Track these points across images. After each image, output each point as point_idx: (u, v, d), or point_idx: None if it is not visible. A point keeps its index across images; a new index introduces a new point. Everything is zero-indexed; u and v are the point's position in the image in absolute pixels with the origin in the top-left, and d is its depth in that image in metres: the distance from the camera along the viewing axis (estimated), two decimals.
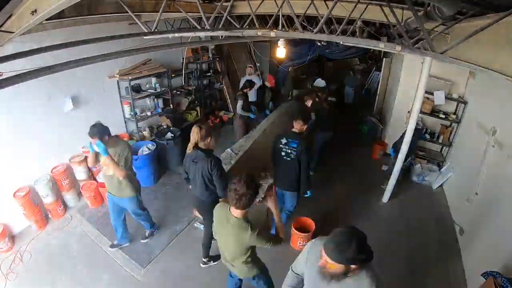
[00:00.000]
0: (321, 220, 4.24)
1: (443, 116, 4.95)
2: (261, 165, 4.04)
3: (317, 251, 1.52)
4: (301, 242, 3.61)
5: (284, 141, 3.30)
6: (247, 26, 2.94)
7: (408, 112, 4.61)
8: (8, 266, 3.35)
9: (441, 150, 5.37)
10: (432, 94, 4.85)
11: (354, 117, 7.41)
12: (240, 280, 2.64)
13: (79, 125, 4.39)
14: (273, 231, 3.24)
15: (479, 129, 3.86)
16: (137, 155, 4.64)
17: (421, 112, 4.56)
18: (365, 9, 2.55)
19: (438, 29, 2.20)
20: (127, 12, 2.19)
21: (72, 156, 4.34)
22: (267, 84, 7.46)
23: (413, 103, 3.98)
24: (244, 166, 3.81)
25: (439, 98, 4.80)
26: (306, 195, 3.53)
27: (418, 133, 4.64)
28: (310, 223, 3.71)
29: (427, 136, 5.28)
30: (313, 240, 1.78)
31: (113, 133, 4.88)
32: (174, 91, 5.91)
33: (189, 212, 4.27)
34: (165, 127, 5.65)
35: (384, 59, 6.87)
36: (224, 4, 2.68)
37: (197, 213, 4.06)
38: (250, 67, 6.73)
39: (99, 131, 2.83)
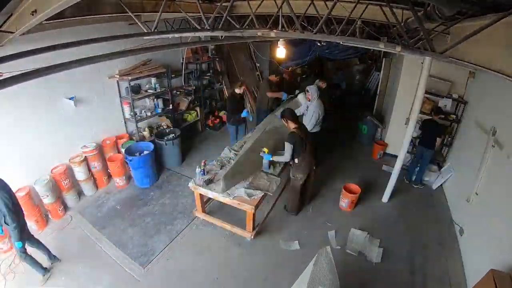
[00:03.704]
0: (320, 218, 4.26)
1: (443, 116, 4.95)
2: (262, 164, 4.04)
3: None
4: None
5: None
6: (247, 26, 2.94)
7: (407, 118, 4.61)
8: (8, 266, 3.35)
9: (441, 150, 5.37)
10: (432, 94, 4.86)
11: (354, 116, 7.40)
12: None
13: (79, 125, 4.40)
14: None
15: (479, 129, 3.86)
16: (134, 155, 4.65)
17: (421, 112, 4.55)
18: (365, 9, 2.55)
19: (438, 29, 2.20)
20: (127, 12, 2.19)
21: (72, 156, 4.34)
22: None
23: (413, 103, 3.98)
24: (245, 166, 3.81)
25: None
26: None
27: None
28: (356, 187, 4.47)
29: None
30: None
31: (113, 133, 4.97)
32: (174, 91, 5.91)
33: (189, 212, 4.27)
34: (165, 127, 5.65)
35: (384, 59, 6.87)
36: (224, 4, 2.68)
37: (197, 213, 4.07)
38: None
39: None
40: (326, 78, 6.71)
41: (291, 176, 3.97)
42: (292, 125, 3.77)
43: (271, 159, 3.89)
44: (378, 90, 7.12)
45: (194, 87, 6.38)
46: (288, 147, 3.68)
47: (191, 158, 5.73)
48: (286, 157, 3.75)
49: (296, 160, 3.79)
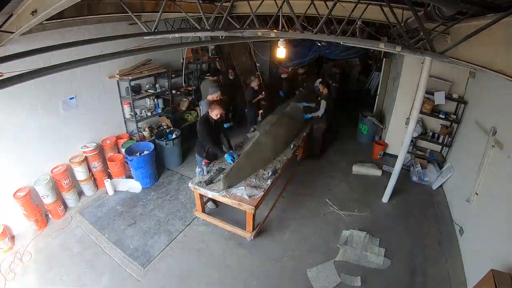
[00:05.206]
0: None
1: (443, 116, 4.95)
2: (262, 165, 4.04)
3: None
4: None
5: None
6: (247, 26, 2.94)
7: (407, 118, 4.56)
8: (8, 266, 3.35)
9: (441, 150, 5.37)
10: (432, 94, 4.85)
11: (354, 116, 7.41)
12: None
13: (79, 125, 4.41)
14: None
15: (479, 129, 3.86)
16: (135, 156, 4.66)
17: (421, 112, 4.55)
18: (365, 9, 2.55)
19: (438, 29, 2.20)
20: (127, 13, 2.19)
21: (72, 156, 4.34)
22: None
23: (413, 103, 3.98)
24: (245, 166, 3.81)
25: (439, 98, 4.80)
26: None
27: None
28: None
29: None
30: None
31: (113, 133, 4.98)
32: (174, 91, 5.91)
33: (188, 212, 4.27)
34: (165, 127, 5.65)
35: (384, 59, 6.87)
36: (224, 4, 2.68)
37: (197, 213, 4.07)
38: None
39: None
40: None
41: (315, 127, 5.46)
42: (326, 91, 5.39)
43: (310, 116, 5.37)
44: (378, 90, 7.13)
45: (194, 87, 6.38)
46: (323, 104, 5.29)
47: (191, 158, 5.72)
48: (321, 111, 5.31)
49: (319, 115, 5.33)
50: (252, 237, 3.70)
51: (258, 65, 8.34)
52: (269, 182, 3.75)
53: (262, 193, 3.55)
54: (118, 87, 4.87)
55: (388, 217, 4.33)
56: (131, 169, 4.78)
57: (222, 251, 3.68)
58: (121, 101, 4.99)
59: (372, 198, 4.72)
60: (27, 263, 3.43)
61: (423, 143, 5.47)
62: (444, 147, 5.23)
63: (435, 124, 5.26)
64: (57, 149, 4.17)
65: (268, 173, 3.87)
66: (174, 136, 5.32)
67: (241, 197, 3.49)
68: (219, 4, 2.68)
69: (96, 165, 4.58)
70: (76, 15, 2.49)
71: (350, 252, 3.66)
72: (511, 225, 2.61)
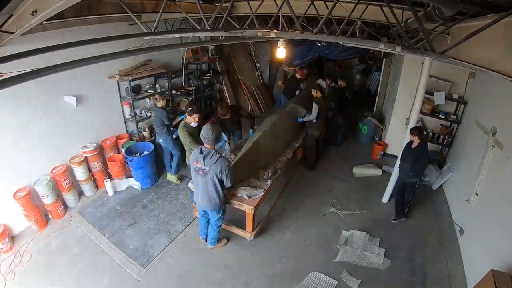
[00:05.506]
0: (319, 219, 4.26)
1: (443, 117, 4.95)
2: (262, 165, 4.04)
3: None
4: None
5: None
6: (247, 27, 2.94)
7: (407, 118, 4.51)
8: (8, 266, 3.35)
9: (441, 150, 5.37)
10: (432, 94, 4.85)
11: (354, 117, 7.41)
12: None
13: (79, 126, 4.41)
14: None
15: (479, 129, 3.86)
16: (134, 156, 4.66)
17: (421, 112, 4.56)
18: (365, 9, 2.55)
19: (438, 29, 2.20)
20: (127, 13, 2.19)
21: (72, 157, 4.34)
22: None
23: (413, 103, 3.98)
24: (245, 166, 3.81)
25: (439, 98, 4.80)
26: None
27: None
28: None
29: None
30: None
31: (113, 133, 4.97)
32: (174, 92, 5.91)
33: (188, 212, 4.27)
34: None
35: (384, 59, 6.87)
36: (224, 4, 2.68)
37: (197, 213, 4.07)
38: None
39: None
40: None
41: (309, 134, 5.09)
42: (319, 94, 4.93)
43: (301, 120, 5.08)
44: (378, 91, 7.13)
45: (194, 87, 6.38)
46: (315, 107, 4.84)
47: None
48: (314, 115, 4.87)
49: (314, 121, 4.91)
50: (252, 237, 3.70)
51: (258, 65, 8.35)
52: (269, 182, 3.75)
53: (262, 193, 3.55)
54: (118, 87, 4.87)
55: (388, 217, 4.33)
56: (131, 169, 4.79)
57: (222, 251, 3.68)
58: (121, 101, 4.99)
59: (372, 198, 4.72)
60: (27, 263, 3.43)
61: None
62: (444, 147, 5.24)
63: (435, 124, 5.27)
64: (57, 149, 4.17)
65: (268, 173, 3.87)
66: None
67: (241, 197, 3.49)
68: (219, 4, 2.68)
69: (96, 165, 4.58)
70: (76, 15, 2.49)
71: (350, 252, 3.66)
72: (511, 225, 2.61)
